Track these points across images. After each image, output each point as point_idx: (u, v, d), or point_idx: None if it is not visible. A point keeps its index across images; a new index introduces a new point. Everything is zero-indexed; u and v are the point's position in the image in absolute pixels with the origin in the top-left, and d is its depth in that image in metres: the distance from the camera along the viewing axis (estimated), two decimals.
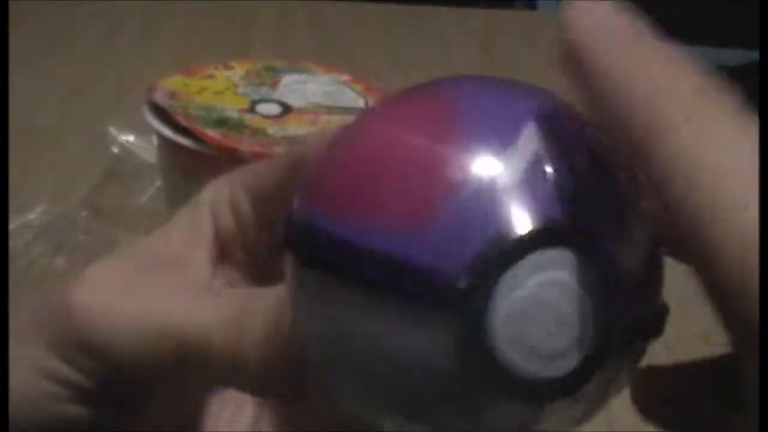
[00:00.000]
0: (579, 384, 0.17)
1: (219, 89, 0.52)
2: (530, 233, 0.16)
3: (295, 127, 0.49)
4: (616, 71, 0.15)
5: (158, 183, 0.57)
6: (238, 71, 0.54)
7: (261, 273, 0.27)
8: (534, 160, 0.17)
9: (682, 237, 0.14)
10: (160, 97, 0.49)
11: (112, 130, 0.61)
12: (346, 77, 0.55)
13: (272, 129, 0.49)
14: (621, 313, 0.17)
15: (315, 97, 0.52)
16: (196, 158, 0.47)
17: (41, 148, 0.68)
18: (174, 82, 0.52)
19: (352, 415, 0.20)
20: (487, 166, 0.17)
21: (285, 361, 0.21)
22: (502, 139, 0.17)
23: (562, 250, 0.17)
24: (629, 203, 0.18)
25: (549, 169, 0.17)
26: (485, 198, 0.17)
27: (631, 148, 0.14)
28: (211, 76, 0.53)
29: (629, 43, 0.15)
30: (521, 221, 0.17)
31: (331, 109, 0.51)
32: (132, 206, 0.60)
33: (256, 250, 0.27)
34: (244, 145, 0.46)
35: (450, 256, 0.17)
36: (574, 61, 0.16)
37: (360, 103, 0.52)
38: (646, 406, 0.22)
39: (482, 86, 0.19)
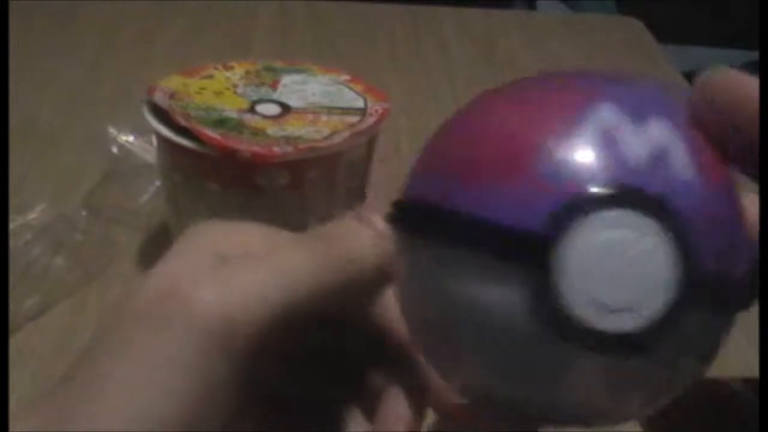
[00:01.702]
0: (649, 341, 0.18)
1: (218, 89, 0.52)
2: (599, 193, 0.18)
3: (294, 128, 0.49)
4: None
5: (158, 183, 0.57)
6: (237, 71, 0.54)
7: None
8: (608, 129, 0.18)
9: None
10: (159, 98, 0.49)
11: (112, 130, 0.61)
12: (345, 77, 0.55)
13: (272, 129, 0.49)
14: (692, 277, 0.18)
15: (314, 97, 0.52)
16: (195, 158, 0.47)
17: (41, 148, 0.68)
18: (173, 82, 0.52)
19: (451, 377, 0.21)
20: (565, 132, 0.18)
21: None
22: (580, 110, 0.19)
23: (632, 212, 0.18)
24: (720, 183, 0.19)
25: (627, 139, 0.18)
26: (561, 159, 0.18)
27: None
28: (210, 77, 0.53)
29: None
30: (593, 182, 0.18)
31: (330, 109, 0.51)
32: (132, 206, 0.60)
33: None
34: (244, 145, 0.46)
35: (525, 213, 0.18)
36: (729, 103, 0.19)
37: (360, 103, 0.52)
38: (651, 420, 0.22)
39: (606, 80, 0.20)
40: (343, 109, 0.51)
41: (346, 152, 0.49)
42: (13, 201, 0.57)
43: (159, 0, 0.97)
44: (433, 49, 0.92)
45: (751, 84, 0.19)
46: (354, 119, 0.50)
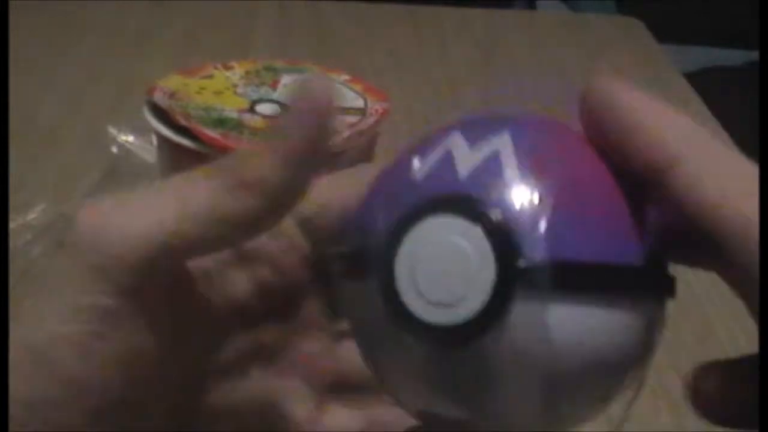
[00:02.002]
0: (475, 334, 0.19)
1: (218, 89, 0.52)
2: (421, 204, 0.20)
3: None
4: (643, 119, 0.20)
5: (158, 183, 0.57)
6: (237, 71, 0.54)
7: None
8: (443, 156, 0.21)
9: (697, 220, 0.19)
10: (159, 97, 0.49)
11: (112, 130, 0.61)
12: (346, 77, 0.55)
13: None
14: (511, 270, 0.19)
15: None
16: (195, 158, 0.47)
17: (41, 148, 0.68)
18: (173, 82, 0.52)
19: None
20: (402, 167, 0.22)
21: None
22: (423, 147, 0.22)
23: (452, 217, 0.20)
24: (545, 187, 0.20)
25: (460, 156, 0.21)
26: (396, 187, 0.21)
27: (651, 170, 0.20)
28: (210, 76, 0.53)
29: (650, 103, 0.21)
30: (415, 196, 0.21)
31: None
32: None
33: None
34: (244, 145, 0.46)
35: (370, 233, 0.21)
36: (604, 112, 0.21)
37: (360, 103, 0.52)
38: (709, 410, 0.22)
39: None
40: (343, 109, 0.51)
41: (346, 152, 0.49)
42: (13, 201, 0.57)
43: (159, 0, 0.97)
44: (433, 49, 0.92)
45: (629, 102, 0.20)
46: (354, 119, 0.50)
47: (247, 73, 0.54)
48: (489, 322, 0.19)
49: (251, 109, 0.50)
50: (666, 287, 0.21)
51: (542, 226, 0.19)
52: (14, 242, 0.53)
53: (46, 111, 0.74)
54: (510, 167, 0.20)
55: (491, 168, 0.20)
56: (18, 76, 0.75)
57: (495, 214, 0.19)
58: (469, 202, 0.20)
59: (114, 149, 0.61)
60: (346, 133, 0.48)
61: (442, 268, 0.20)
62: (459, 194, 0.20)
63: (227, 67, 0.54)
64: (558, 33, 1.00)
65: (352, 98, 0.52)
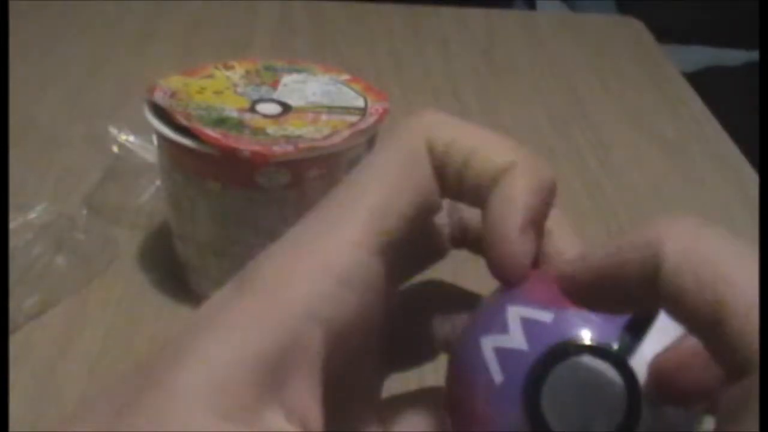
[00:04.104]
0: None
1: (219, 89, 0.52)
2: (557, 347, 0.24)
3: (294, 127, 0.49)
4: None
5: (158, 183, 0.57)
6: (237, 71, 0.54)
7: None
8: (522, 317, 0.25)
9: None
10: (160, 97, 0.49)
11: (112, 130, 0.61)
12: (345, 77, 0.55)
13: (272, 129, 0.49)
14: (635, 404, 0.24)
15: (315, 97, 0.52)
16: (196, 158, 0.48)
17: (41, 148, 0.68)
18: (174, 81, 0.52)
19: None
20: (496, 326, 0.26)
21: None
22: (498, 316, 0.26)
23: (590, 358, 0.24)
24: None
25: (531, 314, 0.25)
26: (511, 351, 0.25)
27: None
28: (210, 76, 0.53)
29: None
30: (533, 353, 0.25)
31: (330, 109, 0.51)
32: (132, 206, 0.60)
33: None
34: (244, 144, 0.46)
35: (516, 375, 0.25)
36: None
37: (360, 102, 0.52)
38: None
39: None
40: (343, 108, 0.51)
41: (346, 151, 0.49)
42: (14, 200, 0.57)
43: (159, 0, 0.97)
44: (433, 49, 0.92)
45: None
46: (354, 118, 0.50)
47: (248, 72, 0.54)
48: None
49: (252, 109, 0.50)
50: None
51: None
52: (14, 242, 0.53)
53: (46, 111, 0.74)
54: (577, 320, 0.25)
55: (552, 321, 0.25)
56: (18, 76, 0.75)
57: (625, 363, 0.24)
58: (600, 350, 0.24)
59: (114, 149, 0.61)
60: (346, 133, 0.48)
61: (582, 397, 0.24)
62: (588, 343, 0.24)
63: (227, 67, 0.54)
64: (558, 33, 1.00)
65: (353, 97, 0.52)
